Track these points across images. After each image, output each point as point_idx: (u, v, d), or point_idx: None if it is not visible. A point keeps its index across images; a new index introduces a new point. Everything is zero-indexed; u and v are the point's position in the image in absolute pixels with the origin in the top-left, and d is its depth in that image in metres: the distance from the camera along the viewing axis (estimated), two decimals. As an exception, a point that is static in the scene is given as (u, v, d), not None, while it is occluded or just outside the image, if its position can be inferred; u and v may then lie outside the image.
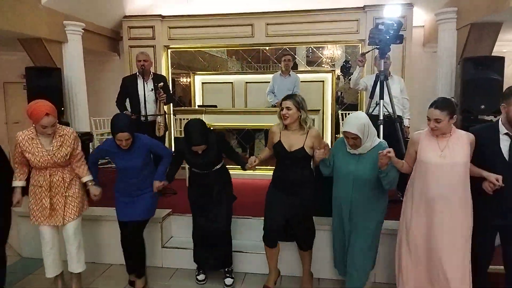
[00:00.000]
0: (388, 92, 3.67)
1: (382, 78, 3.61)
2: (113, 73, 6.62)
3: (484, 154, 2.39)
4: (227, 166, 3.14)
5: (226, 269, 3.16)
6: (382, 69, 3.63)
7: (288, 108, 2.65)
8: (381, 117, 3.56)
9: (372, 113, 3.82)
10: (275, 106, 5.33)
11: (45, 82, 4.93)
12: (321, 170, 2.75)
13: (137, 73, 4.07)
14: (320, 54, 7.21)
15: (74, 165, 2.87)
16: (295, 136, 2.71)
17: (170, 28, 6.35)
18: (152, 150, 3.02)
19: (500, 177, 2.26)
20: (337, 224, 2.75)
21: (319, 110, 4.95)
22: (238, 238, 3.45)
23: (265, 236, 2.84)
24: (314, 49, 7.20)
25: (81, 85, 5.62)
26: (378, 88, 3.63)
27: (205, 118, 5.10)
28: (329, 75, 6.25)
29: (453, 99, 2.44)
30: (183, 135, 2.99)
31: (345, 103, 6.73)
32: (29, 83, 4.83)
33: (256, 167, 2.82)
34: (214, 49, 6.99)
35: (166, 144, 5.57)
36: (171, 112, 5.68)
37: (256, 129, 5.60)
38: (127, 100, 4.12)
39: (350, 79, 7.16)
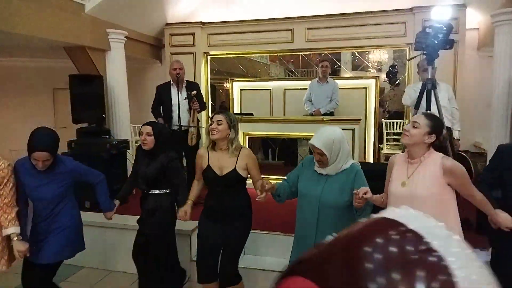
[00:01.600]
0: (436, 102, 3.35)
1: (429, 87, 3.30)
2: (155, 80, 6.70)
3: (507, 172, 2.05)
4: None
5: None
6: (429, 77, 3.33)
7: (219, 122, 2.37)
8: (428, 129, 3.26)
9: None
10: (313, 115, 5.13)
11: (88, 89, 5.08)
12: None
13: (171, 82, 4.05)
14: (364, 59, 6.90)
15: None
16: (225, 158, 2.42)
17: (209, 34, 6.36)
18: (80, 179, 2.50)
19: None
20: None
21: (359, 120, 4.68)
22: (255, 253, 3.40)
23: (198, 273, 2.56)
24: (358, 54, 6.90)
25: (123, 92, 5.74)
26: (425, 97, 3.33)
27: (241, 126, 5.01)
28: (373, 82, 5.93)
29: (445, 131, 2.14)
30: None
31: (389, 111, 6.36)
32: (73, 90, 4.99)
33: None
34: (255, 54, 6.91)
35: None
36: (203, 124, 5.65)
37: (294, 139, 5.43)
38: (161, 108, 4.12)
39: (396, 84, 6.83)
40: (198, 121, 4.17)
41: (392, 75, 6.99)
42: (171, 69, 4.03)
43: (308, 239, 2.18)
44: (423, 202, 1.86)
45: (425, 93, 3.34)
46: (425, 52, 3.29)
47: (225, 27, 6.24)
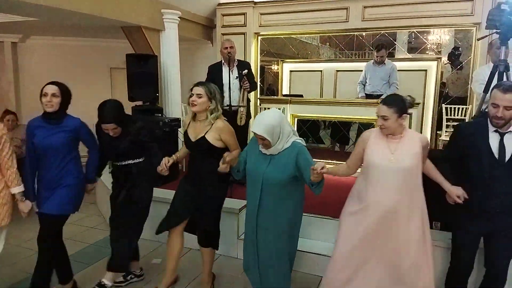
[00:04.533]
0: (509, 86, 3.06)
1: (501, 69, 3.02)
2: (205, 60, 6.75)
3: (471, 150, 2.30)
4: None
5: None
6: (502, 58, 3.04)
7: (198, 95, 2.48)
8: (498, 116, 2.99)
9: (486, 111, 3.24)
10: (368, 97, 4.92)
11: (143, 69, 5.19)
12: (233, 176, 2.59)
13: (222, 61, 4.03)
14: (424, 40, 6.47)
15: (3, 170, 2.41)
16: (200, 126, 2.57)
17: (261, 14, 6.26)
18: (81, 138, 2.68)
19: (462, 194, 2.22)
20: (248, 231, 2.49)
21: (418, 104, 4.41)
22: (308, 237, 3.38)
23: (166, 219, 2.70)
24: (417, 33, 6.49)
25: (176, 72, 5.83)
26: (496, 80, 3.05)
27: (290, 108, 4.94)
28: (434, 64, 5.56)
29: (408, 98, 2.27)
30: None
31: (450, 96, 5.95)
32: (129, 69, 5.13)
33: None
34: (306, 35, 6.73)
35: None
36: (257, 101, 5.61)
37: (345, 122, 5.25)
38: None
39: (459, 67, 6.36)
40: (249, 100, 4.14)
41: (454, 57, 6.52)
42: (222, 48, 4.00)
43: (252, 213, 2.39)
44: (409, 173, 2.19)
45: (496, 76, 3.06)
46: (498, 30, 3.02)
47: (277, 6, 6.10)
